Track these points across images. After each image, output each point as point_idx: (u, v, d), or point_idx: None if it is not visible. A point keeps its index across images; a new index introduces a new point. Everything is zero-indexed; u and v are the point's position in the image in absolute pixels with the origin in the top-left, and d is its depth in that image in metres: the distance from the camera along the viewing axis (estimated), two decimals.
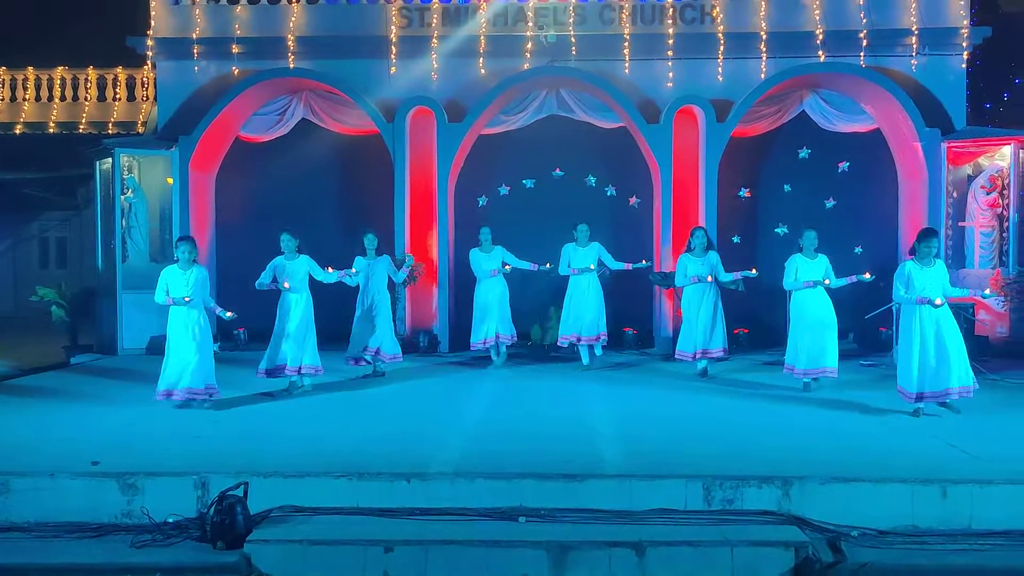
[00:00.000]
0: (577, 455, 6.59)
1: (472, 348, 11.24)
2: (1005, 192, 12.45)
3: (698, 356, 10.34)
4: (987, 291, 9.32)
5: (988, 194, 12.58)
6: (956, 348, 7.92)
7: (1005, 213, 12.45)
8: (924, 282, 7.90)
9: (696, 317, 10.27)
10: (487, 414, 8.45)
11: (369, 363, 10.36)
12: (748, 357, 11.72)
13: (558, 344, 11.37)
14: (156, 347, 12.49)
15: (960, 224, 12.73)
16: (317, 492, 5.97)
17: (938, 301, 7.82)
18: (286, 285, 9.19)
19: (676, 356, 10.67)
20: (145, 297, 12.57)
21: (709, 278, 10.18)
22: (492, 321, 11.00)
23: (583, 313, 10.84)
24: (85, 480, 6.07)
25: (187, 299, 8.31)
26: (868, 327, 12.25)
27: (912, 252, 8.11)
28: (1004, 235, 12.48)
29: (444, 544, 5.46)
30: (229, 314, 8.60)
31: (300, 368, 9.31)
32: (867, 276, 9.44)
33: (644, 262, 11.25)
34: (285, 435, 7.41)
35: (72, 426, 7.76)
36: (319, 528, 5.68)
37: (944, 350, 7.86)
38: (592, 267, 10.79)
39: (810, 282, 9.25)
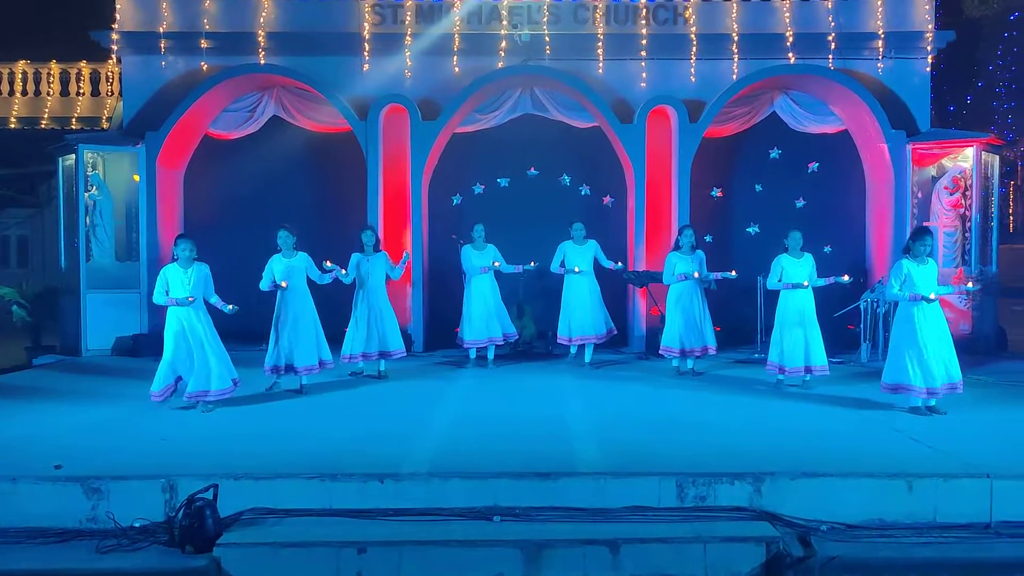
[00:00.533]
0: (552, 453, 6.59)
1: (467, 345, 11.01)
2: (968, 193, 12.65)
3: (694, 353, 10.41)
4: (970, 283, 9.56)
5: (951, 195, 12.77)
6: (951, 344, 8.16)
7: (968, 214, 12.64)
8: (921, 279, 8.06)
9: (689, 314, 10.34)
10: (463, 412, 8.41)
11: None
12: (722, 354, 11.76)
13: (559, 343, 11.38)
14: (122, 348, 12.39)
15: (924, 224, 12.89)
16: (289, 493, 5.91)
17: (932, 296, 7.98)
18: (283, 284, 9.04)
19: (661, 351, 10.70)
20: (111, 297, 12.56)
21: (696, 274, 10.27)
22: (493, 320, 10.91)
23: (587, 313, 10.89)
24: (48, 484, 5.95)
25: (191, 299, 8.16)
26: (836, 325, 12.37)
27: (907, 250, 8.25)
28: (967, 235, 12.68)
29: (418, 544, 5.45)
30: (231, 307, 8.44)
31: (321, 363, 9.31)
32: (845, 278, 9.68)
33: (618, 264, 11.29)
34: (256, 436, 7.33)
35: (34, 429, 7.58)
36: (291, 530, 5.62)
37: (945, 346, 8.06)
38: (577, 269, 10.79)
39: (789, 284, 9.34)
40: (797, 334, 9.35)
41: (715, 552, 5.48)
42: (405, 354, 10.51)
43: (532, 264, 11.03)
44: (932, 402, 8.14)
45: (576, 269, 10.79)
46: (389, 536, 5.52)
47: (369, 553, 5.39)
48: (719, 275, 10.44)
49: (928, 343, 8.01)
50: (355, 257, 10.13)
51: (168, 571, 5.32)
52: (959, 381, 8.11)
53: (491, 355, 11.18)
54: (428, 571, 5.36)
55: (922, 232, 8.27)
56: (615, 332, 11.26)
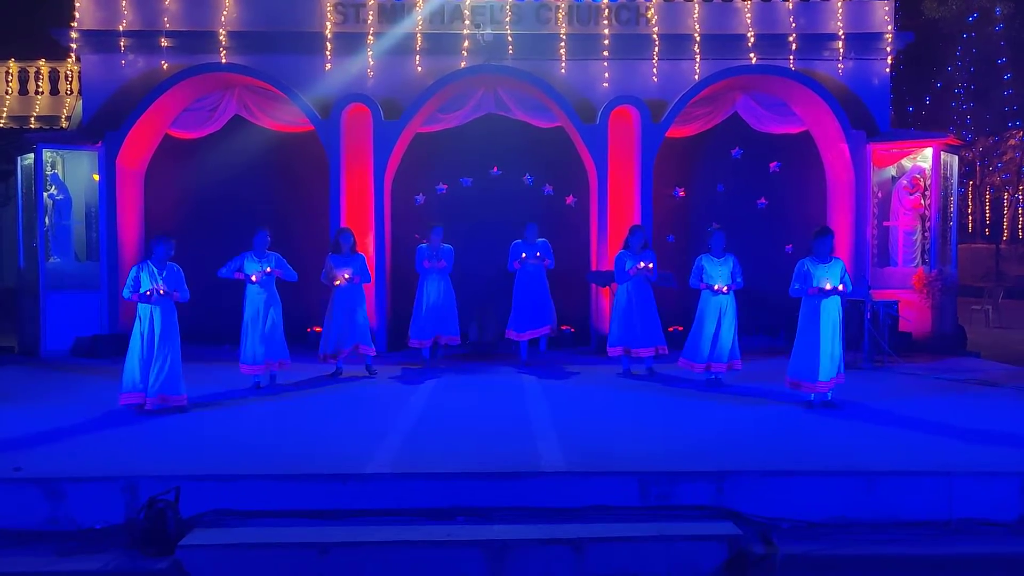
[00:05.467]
0: (515, 453, 6.61)
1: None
2: (927, 193, 12.82)
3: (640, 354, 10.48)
4: None
5: (911, 195, 12.93)
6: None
7: (927, 213, 12.81)
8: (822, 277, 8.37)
9: (636, 313, 10.39)
10: (425, 412, 8.40)
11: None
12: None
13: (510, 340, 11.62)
14: (81, 349, 12.23)
15: (884, 224, 13.08)
16: (251, 494, 5.89)
17: (828, 286, 8.28)
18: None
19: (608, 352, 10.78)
20: (70, 297, 12.38)
21: (645, 265, 10.25)
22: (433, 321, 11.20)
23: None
24: (7, 486, 5.90)
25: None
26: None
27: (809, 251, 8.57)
28: (926, 235, 12.86)
29: (381, 545, 5.44)
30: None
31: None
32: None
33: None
34: (218, 437, 7.28)
35: None
36: (253, 531, 5.60)
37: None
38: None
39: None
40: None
41: (678, 550, 5.52)
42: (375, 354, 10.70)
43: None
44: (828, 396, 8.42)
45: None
46: (351, 537, 5.51)
47: (331, 554, 5.37)
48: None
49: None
50: (332, 258, 10.37)
51: (129, 573, 5.28)
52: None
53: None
54: (391, 572, 5.35)
55: (823, 232, 8.55)
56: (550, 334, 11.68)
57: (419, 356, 11.39)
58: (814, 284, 8.30)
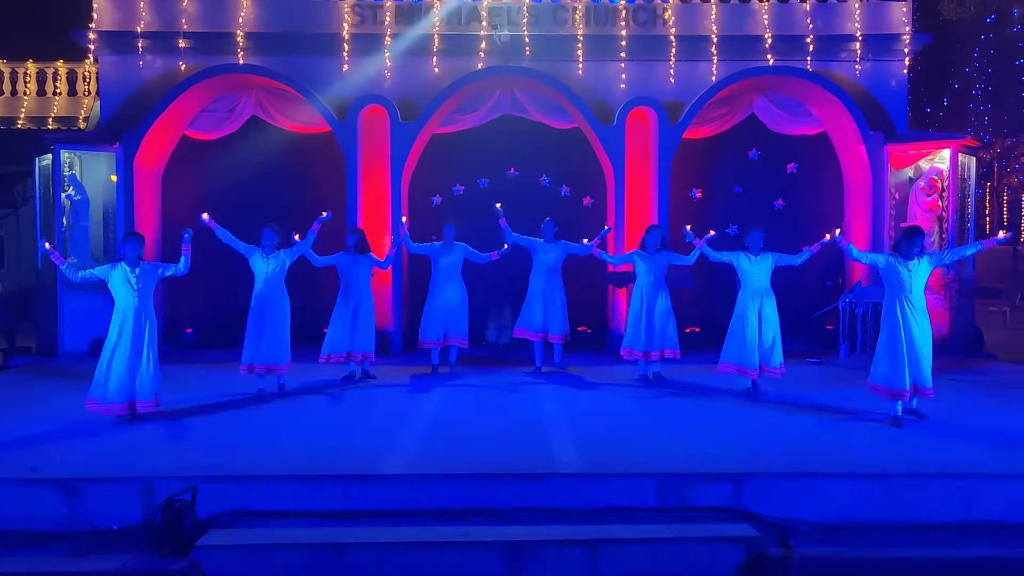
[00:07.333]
0: (531, 454, 6.59)
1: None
2: (944, 195, 12.72)
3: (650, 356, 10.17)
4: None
5: (928, 196, 12.84)
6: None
7: (945, 215, 12.71)
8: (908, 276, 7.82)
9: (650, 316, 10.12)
10: (440, 414, 8.40)
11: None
12: (703, 356, 11.73)
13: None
14: (98, 349, 12.23)
15: (902, 225, 12.96)
16: (267, 495, 5.89)
17: None
18: None
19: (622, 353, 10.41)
20: (88, 297, 12.40)
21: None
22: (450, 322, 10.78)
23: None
24: (24, 486, 5.92)
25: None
26: (815, 326, 12.45)
27: (895, 248, 8.05)
28: (944, 237, 12.75)
29: (397, 546, 5.43)
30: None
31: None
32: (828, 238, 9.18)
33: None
34: (234, 438, 7.30)
35: (9, 430, 7.49)
36: (270, 532, 5.60)
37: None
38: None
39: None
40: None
41: (695, 552, 5.50)
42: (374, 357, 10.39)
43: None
44: (913, 404, 8.00)
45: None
46: (368, 538, 5.51)
47: (348, 554, 5.37)
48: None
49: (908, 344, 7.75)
50: (340, 256, 10.18)
51: (147, 573, 5.29)
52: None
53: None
54: (408, 572, 5.34)
55: (913, 232, 7.99)
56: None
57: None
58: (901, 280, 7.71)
